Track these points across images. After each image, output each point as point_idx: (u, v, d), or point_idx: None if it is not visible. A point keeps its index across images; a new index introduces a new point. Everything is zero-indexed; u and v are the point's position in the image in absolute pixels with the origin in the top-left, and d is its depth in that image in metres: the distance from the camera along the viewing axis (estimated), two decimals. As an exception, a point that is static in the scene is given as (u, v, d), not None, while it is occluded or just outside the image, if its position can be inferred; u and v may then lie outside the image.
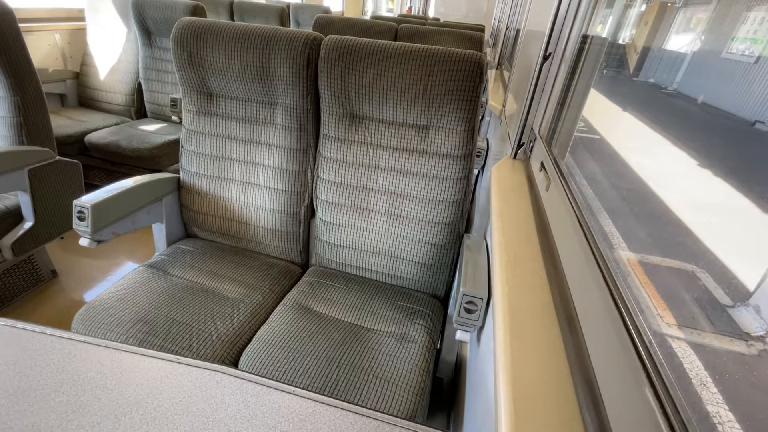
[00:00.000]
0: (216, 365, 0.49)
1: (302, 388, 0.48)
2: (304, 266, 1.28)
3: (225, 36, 1.08)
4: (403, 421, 0.45)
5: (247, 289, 1.08)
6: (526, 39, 1.48)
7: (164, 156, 2.08)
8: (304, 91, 1.09)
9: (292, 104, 1.12)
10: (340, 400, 0.46)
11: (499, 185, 0.94)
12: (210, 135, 1.21)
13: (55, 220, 1.50)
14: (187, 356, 0.51)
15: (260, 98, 1.15)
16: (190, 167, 1.25)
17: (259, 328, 0.98)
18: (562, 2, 0.93)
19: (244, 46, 1.07)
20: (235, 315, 0.98)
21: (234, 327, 0.95)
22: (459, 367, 1.14)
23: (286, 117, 1.14)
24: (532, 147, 1.05)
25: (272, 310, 1.04)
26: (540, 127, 1.01)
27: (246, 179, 1.21)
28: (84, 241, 1.01)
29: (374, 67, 1.03)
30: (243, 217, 1.24)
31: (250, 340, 0.95)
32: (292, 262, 1.27)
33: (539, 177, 0.90)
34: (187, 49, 1.12)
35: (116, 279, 1.08)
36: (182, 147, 1.25)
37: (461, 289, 0.80)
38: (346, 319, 1.03)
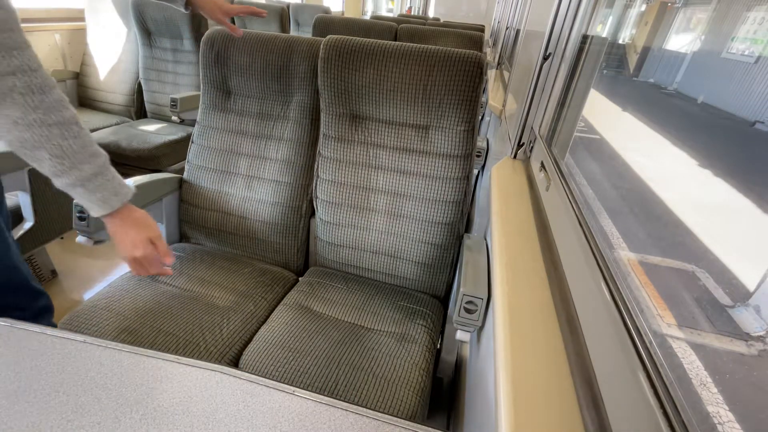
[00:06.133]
0: (216, 365, 0.49)
1: (302, 388, 0.48)
2: (299, 271, 1.28)
3: (252, 40, 1.16)
4: (403, 421, 0.45)
5: (238, 296, 1.06)
6: (526, 39, 1.48)
7: (164, 156, 2.07)
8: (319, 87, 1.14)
9: (307, 99, 1.16)
10: (340, 400, 0.46)
11: (499, 185, 0.94)
12: (222, 130, 1.24)
13: (55, 220, 1.50)
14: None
15: (276, 96, 1.20)
16: (197, 161, 1.26)
17: (250, 338, 0.96)
18: (562, 2, 0.93)
19: (268, 47, 1.14)
20: (225, 325, 0.95)
21: (223, 337, 0.93)
22: (459, 367, 1.14)
23: (299, 111, 1.18)
24: (532, 147, 1.05)
25: (264, 320, 1.02)
26: (540, 127, 1.01)
27: (251, 173, 1.23)
28: (81, 239, 1.01)
29: (374, 67, 1.03)
30: (243, 212, 1.24)
31: (248, 342, 0.95)
32: (287, 267, 1.26)
33: (539, 177, 0.90)
34: (215, 49, 1.18)
35: (115, 279, 1.07)
36: (192, 142, 1.27)
37: (461, 289, 0.80)
38: (346, 319, 1.03)
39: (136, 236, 0.72)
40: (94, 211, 0.69)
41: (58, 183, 0.65)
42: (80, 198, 0.67)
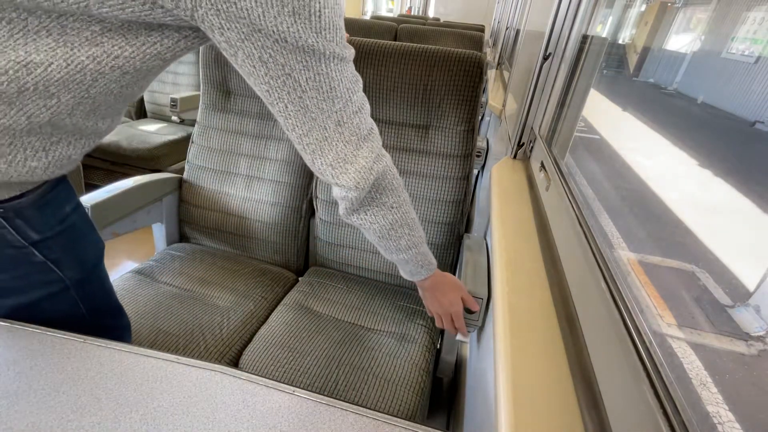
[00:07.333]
0: (216, 365, 0.49)
1: (302, 388, 0.47)
2: (299, 271, 1.28)
3: None
4: (403, 421, 0.45)
5: (238, 296, 1.06)
6: (526, 39, 1.48)
7: (164, 156, 2.08)
8: None
9: None
10: (340, 400, 0.46)
11: (499, 185, 0.94)
12: (222, 130, 1.24)
13: (55, 220, 1.49)
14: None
15: None
16: (197, 161, 1.26)
17: (250, 338, 0.96)
18: (562, 2, 0.93)
19: None
20: (225, 325, 0.96)
21: (223, 337, 0.93)
22: (459, 367, 1.14)
23: None
24: (532, 147, 1.05)
25: (264, 319, 1.02)
26: (540, 127, 1.01)
27: (251, 173, 1.23)
28: None
29: (374, 67, 1.03)
30: (243, 212, 1.24)
31: (248, 342, 0.94)
32: (287, 267, 1.25)
33: (539, 177, 0.90)
34: (215, 49, 1.16)
35: (115, 279, 1.07)
36: (192, 142, 1.27)
37: (461, 289, 0.80)
38: (346, 319, 1.03)
39: (453, 296, 0.78)
40: (421, 275, 0.72)
41: (408, 254, 0.66)
42: (414, 264, 0.68)
